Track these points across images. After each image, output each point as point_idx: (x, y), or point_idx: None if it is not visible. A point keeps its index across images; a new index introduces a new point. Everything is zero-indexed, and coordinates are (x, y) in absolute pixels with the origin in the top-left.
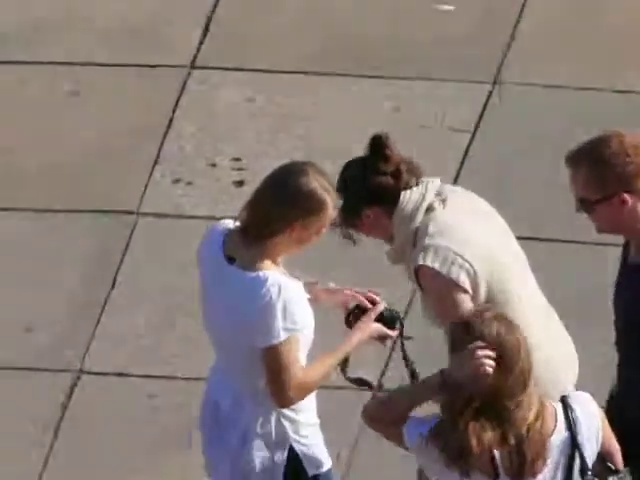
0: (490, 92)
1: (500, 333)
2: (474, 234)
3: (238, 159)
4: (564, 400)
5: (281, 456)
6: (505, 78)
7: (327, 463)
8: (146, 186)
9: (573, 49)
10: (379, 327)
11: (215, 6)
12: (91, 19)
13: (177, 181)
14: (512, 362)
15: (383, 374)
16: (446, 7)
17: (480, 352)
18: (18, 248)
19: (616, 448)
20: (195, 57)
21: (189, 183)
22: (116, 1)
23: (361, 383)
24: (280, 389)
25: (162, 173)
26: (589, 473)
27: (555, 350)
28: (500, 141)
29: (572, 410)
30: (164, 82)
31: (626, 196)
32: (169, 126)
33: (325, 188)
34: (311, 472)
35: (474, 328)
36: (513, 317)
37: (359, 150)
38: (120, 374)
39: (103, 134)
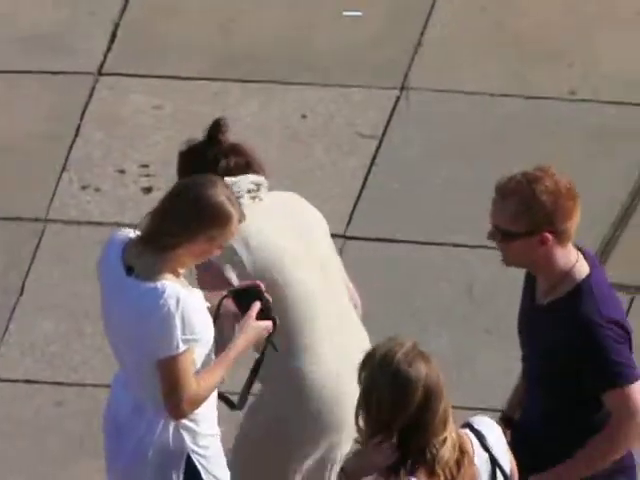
0: (398, 98)
1: (426, 374)
2: (261, 233)
3: (146, 166)
4: (469, 425)
5: (178, 467)
6: (412, 84)
7: (226, 475)
8: (54, 192)
9: (480, 55)
10: (263, 325)
11: (122, 12)
12: None
13: (85, 187)
14: (437, 402)
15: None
16: (354, 13)
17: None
18: None
19: (516, 469)
20: (102, 63)
21: (97, 189)
22: (24, 9)
23: (224, 400)
24: (174, 402)
25: (70, 179)
26: None
27: (339, 363)
28: (407, 147)
29: (481, 432)
30: (71, 88)
31: (548, 236)
32: (77, 133)
33: (232, 202)
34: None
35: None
36: (288, 318)
37: (263, 155)
38: (28, 381)
39: (9, 141)
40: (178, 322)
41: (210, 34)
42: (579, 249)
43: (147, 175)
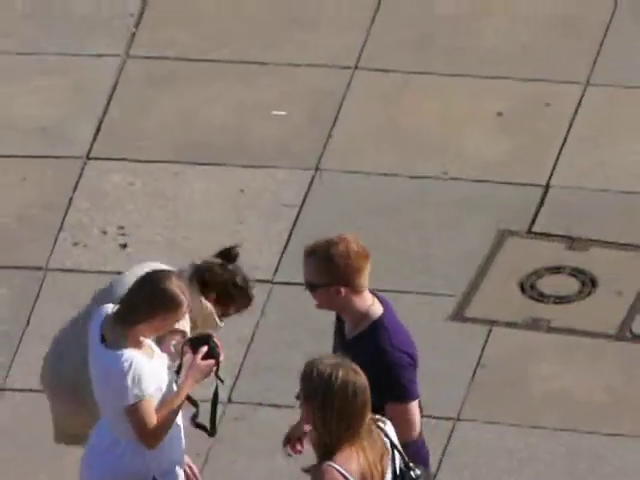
0: (313, 176)
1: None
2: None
3: (122, 227)
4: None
5: None
6: (324, 166)
7: None
8: (53, 248)
9: (377, 145)
10: (207, 365)
11: (106, 109)
12: (9, 119)
13: (76, 244)
14: (365, 403)
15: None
16: (280, 112)
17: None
18: None
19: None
20: (90, 150)
21: (85, 245)
22: (29, 105)
23: (201, 428)
24: (142, 437)
25: (65, 238)
26: (411, 465)
27: None
28: (321, 214)
29: (381, 420)
30: (66, 169)
31: (341, 289)
32: (70, 203)
33: (182, 291)
34: None
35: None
36: None
37: (211, 220)
38: (33, 390)
39: (19, 209)
40: (130, 380)
41: (172, 127)
42: (374, 294)
43: (123, 234)
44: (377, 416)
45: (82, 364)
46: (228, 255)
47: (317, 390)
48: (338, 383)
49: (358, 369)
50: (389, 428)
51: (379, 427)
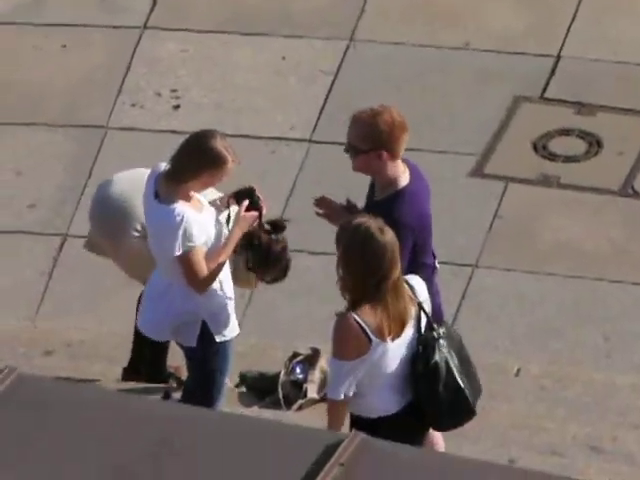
0: (347, 46)
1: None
2: None
3: (175, 90)
4: (405, 280)
5: (195, 328)
6: (359, 36)
7: (232, 333)
8: (112, 108)
9: (405, 18)
10: (251, 216)
11: None
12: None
13: (134, 105)
14: (388, 261)
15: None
16: None
17: None
18: (36, 149)
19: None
20: (147, 20)
21: (142, 106)
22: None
23: (253, 271)
24: (192, 283)
25: (123, 100)
26: (434, 326)
27: None
28: (354, 80)
29: (412, 286)
30: (125, 37)
31: (383, 152)
32: (128, 68)
33: (227, 149)
34: (218, 339)
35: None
36: None
37: (255, 85)
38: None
39: (82, 73)
40: (180, 232)
41: (218, 1)
42: (408, 165)
43: (176, 97)
44: (409, 275)
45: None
46: (275, 225)
47: (343, 237)
48: (361, 235)
49: (386, 228)
50: (419, 287)
51: (408, 284)
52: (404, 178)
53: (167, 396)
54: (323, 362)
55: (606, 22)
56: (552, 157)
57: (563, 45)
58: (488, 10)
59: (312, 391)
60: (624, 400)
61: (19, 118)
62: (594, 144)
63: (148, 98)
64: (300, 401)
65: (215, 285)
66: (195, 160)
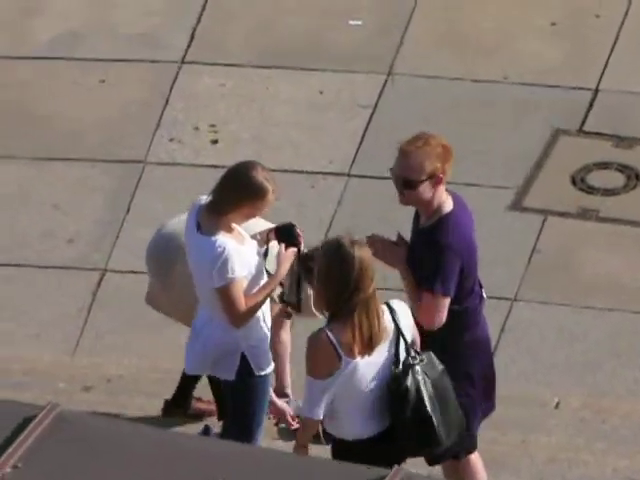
0: (386, 80)
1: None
2: None
3: (214, 125)
4: (387, 303)
5: (234, 360)
6: (396, 70)
7: (269, 367)
8: (151, 143)
9: (442, 51)
10: (290, 252)
11: (199, 18)
12: (111, 25)
13: (172, 139)
14: (360, 276)
15: None
16: (356, 22)
17: None
18: (75, 183)
19: (418, 337)
20: (184, 55)
21: (180, 141)
22: (130, 13)
23: (288, 304)
24: (230, 316)
25: (161, 134)
26: (412, 350)
27: None
28: (393, 114)
29: (393, 309)
30: (163, 72)
31: (441, 176)
32: (167, 102)
33: (268, 180)
34: (257, 372)
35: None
36: None
37: (293, 119)
38: (133, 271)
39: (123, 109)
40: (221, 264)
41: (258, 34)
42: (449, 192)
43: (214, 132)
44: (394, 300)
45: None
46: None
47: (320, 251)
48: (333, 247)
49: (361, 243)
50: (401, 311)
51: (390, 307)
52: (448, 204)
53: (207, 431)
54: None
55: None
56: (591, 190)
57: (601, 78)
58: (525, 42)
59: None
60: None
61: (57, 153)
62: (632, 177)
63: (186, 133)
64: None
65: (255, 318)
66: (236, 191)
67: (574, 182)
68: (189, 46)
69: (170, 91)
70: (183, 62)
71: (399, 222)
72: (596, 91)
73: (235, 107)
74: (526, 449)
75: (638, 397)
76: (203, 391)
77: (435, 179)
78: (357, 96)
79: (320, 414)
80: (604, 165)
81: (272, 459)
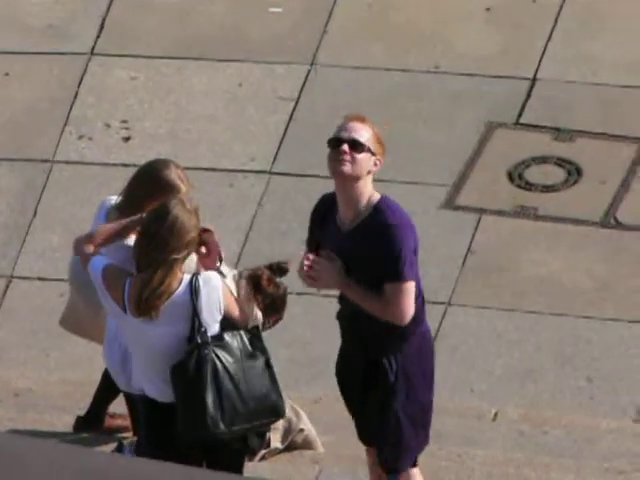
0: (309, 70)
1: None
2: None
3: (125, 121)
4: (195, 274)
5: None
6: (319, 60)
7: None
8: (58, 141)
9: (368, 40)
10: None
11: (109, 6)
12: (16, 17)
13: (81, 137)
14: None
15: None
16: (276, 9)
17: None
18: None
19: (236, 314)
20: (94, 46)
21: (90, 138)
22: (36, 4)
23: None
24: None
25: (70, 131)
26: (202, 329)
27: None
28: (316, 107)
29: (197, 282)
30: (71, 65)
31: (380, 161)
32: (75, 97)
33: (181, 178)
34: None
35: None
36: None
37: (211, 113)
38: (40, 278)
39: (27, 103)
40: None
41: (168, 24)
42: None
43: (127, 128)
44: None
45: None
46: (280, 268)
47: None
48: (162, 207)
49: (189, 205)
50: (207, 283)
51: (194, 282)
52: (375, 194)
53: (121, 449)
54: (287, 409)
55: (584, 41)
56: (529, 187)
57: (539, 67)
58: (458, 31)
59: (275, 440)
60: (609, 445)
61: None
62: (573, 172)
63: (96, 129)
64: (263, 451)
65: None
66: (147, 190)
67: (511, 178)
68: (98, 36)
69: (79, 85)
70: (92, 54)
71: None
72: (533, 81)
73: (148, 102)
74: (463, 464)
75: (582, 407)
76: (115, 407)
77: (374, 160)
78: (278, 88)
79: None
80: (543, 159)
81: (185, 477)
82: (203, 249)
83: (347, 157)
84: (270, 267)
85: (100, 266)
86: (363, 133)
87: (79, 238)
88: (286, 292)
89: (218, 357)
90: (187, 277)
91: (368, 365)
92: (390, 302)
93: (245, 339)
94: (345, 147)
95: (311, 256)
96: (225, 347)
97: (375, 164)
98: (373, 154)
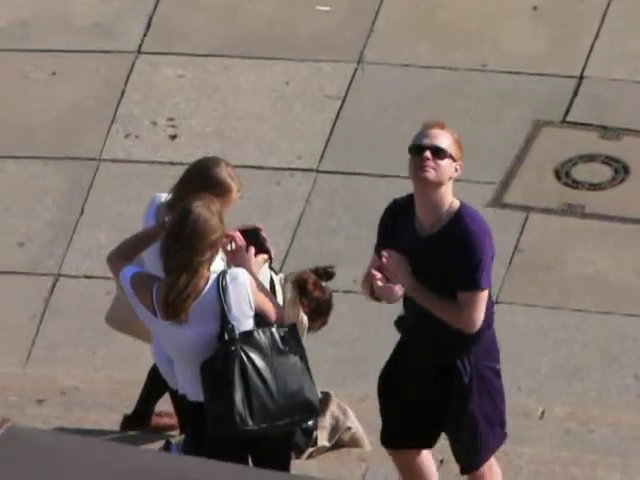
0: (355, 69)
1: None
2: None
3: (172, 119)
4: (222, 272)
5: None
6: (366, 58)
7: None
8: (105, 139)
9: (415, 38)
10: (262, 258)
11: (156, 5)
12: (64, 15)
13: (128, 135)
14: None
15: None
16: (324, 8)
17: None
18: (26, 183)
19: (269, 309)
20: (141, 45)
21: (136, 136)
22: (83, 2)
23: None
24: None
25: (117, 129)
26: (230, 326)
27: None
28: (363, 105)
29: (224, 280)
30: (118, 63)
31: (461, 166)
32: (122, 95)
33: (231, 177)
34: None
35: None
36: None
37: (258, 111)
38: (87, 276)
39: (75, 101)
40: None
41: (219, 22)
42: None
43: (173, 126)
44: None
45: None
46: (327, 273)
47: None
48: (185, 208)
49: (213, 207)
50: (234, 280)
51: (222, 280)
52: (455, 201)
53: (168, 447)
54: (334, 407)
55: (630, 39)
56: (576, 185)
57: (585, 65)
58: (505, 29)
59: (322, 439)
60: None
61: (6, 151)
62: (620, 170)
63: (143, 127)
64: (310, 449)
65: None
66: (198, 188)
67: (558, 176)
68: (145, 35)
69: (125, 83)
70: (139, 52)
71: (371, 221)
72: (580, 79)
73: (195, 100)
74: (510, 462)
75: (629, 405)
76: (162, 405)
77: (455, 166)
78: (325, 86)
79: None
80: (590, 158)
81: (241, 477)
82: (229, 247)
83: (430, 164)
84: (316, 271)
85: (128, 275)
86: (444, 139)
87: (110, 256)
88: (332, 296)
89: (246, 354)
90: (214, 276)
91: (439, 368)
92: (463, 309)
93: (276, 335)
94: (427, 154)
95: (388, 252)
96: (254, 344)
97: (456, 169)
98: (454, 160)
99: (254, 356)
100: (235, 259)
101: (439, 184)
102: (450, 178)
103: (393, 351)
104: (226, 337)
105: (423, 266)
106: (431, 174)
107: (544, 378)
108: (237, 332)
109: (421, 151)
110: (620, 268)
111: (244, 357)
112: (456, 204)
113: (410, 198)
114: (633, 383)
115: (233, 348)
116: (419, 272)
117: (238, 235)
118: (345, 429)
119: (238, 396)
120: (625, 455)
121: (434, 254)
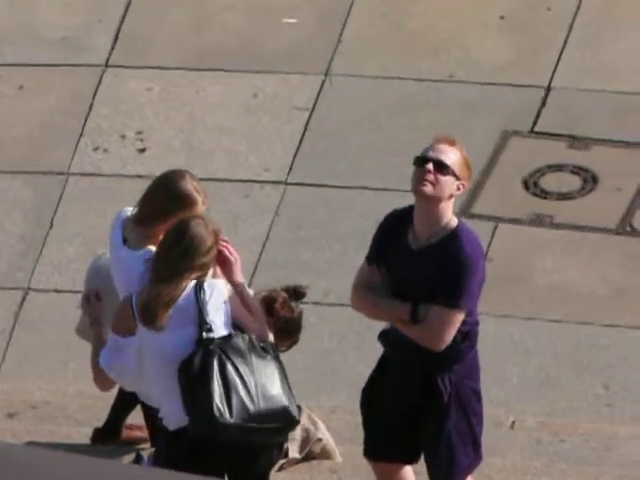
0: (323, 81)
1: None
2: None
3: (141, 132)
4: (199, 281)
5: None
6: (334, 70)
7: None
8: (74, 153)
9: (383, 49)
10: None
11: (123, 18)
12: (31, 28)
13: (96, 149)
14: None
15: None
16: (291, 20)
17: None
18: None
19: (248, 323)
20: (108, 58)
21: (105, 150)
22: (50, 15)
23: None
24: None
25: (85, 143)
26: (208, 326)
27: None
28: (331, 116)
29: (202, 285)
30: (85, 77)
31: (464, 185)
32: (90, 109)
33: (197, 189)
34: None
35: None
36: None
37: (226, 124)
38: (57, 290)
39: (42, 116)
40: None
41: (186, 35)
42: None
43: (142, 139)
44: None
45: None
46: (296, 293)
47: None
48: (180, 222)
49: (211, 227)
50: (211, 289)
51: (199, 287)
52: (454, 218)
53: (139, 459)
54: (304, 419)
55: (599, 49)
56: (544, 195)
57: (553, 75)
58: (473, 39)
59: (293, 450)
60: (627, 451)
61: None
62: (589, 180)
63: (112, 141)
64: (281, 461)
65: None
66: (163, 202)
67: (526, 186)
68: (113, 48)
69: (94, 97)
70: (107, 66)
71: (340, 233)
72: (548, 89)
73: (163, 113)
74: (481, 472)
75: (599, 414)
76: (133, 418)
77: (458, 184)
78: (293, 98)
79: (110, 363)
80: (558, 167)
81: None
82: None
83: (430, 177)
84: (287, 290)
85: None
86: (450, 155)
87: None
88: (301, 316)
89: (225, 353)
90: (192, 283)
91: (421, 385)
92: (433, 324)
93: (255, 342)
94: (430, 166)
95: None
96: (233, 346)
97: (458, 188)
98: (458, 178)
99: (233, 356)
100: (224, 269)
101: (438, 199)
102: (451, 196)
103: (377, 364)
104: (204, 336)
105: (410, 277)
106: (428, 188)
107: (514, 388)
108: (215, 334)
109: (424, 163)
110: (589, 278)
111: (223, 356)
112: (454, 222)
113: (411, 208)
114: (603, 393)
115: (211, 347)
116: (405, 282)
117: (229, 247)
118: (316, 440)
119: (217, 391)
120: (596, 464)
121: (423, 267)
